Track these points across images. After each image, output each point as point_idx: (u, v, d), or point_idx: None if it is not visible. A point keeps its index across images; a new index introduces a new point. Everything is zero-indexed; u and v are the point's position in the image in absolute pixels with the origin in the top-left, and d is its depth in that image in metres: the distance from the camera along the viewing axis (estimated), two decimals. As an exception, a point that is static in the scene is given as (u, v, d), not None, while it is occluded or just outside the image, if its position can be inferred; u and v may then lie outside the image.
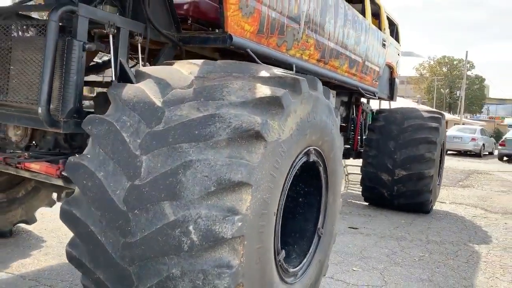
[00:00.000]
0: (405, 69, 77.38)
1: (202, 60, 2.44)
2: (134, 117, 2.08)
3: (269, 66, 2.54)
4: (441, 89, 67.99)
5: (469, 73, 71.92)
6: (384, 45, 6.54)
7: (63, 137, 3.03)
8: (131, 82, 2.82)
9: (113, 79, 2.74)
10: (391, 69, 7.22)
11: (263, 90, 2.06)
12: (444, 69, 69.66)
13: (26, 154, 2.85)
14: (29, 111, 2.66)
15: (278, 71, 2.36)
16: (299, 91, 2.20)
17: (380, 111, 7.14)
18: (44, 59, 2.50)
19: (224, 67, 2.31)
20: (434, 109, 21.61)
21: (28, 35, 2.82)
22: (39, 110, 2.49)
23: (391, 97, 7.45)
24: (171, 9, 3.16)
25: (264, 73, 2.24)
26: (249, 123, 1.90)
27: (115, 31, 2.79)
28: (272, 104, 2.02)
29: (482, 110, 75.56)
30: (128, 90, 2.22)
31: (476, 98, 73.07)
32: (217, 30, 3.42)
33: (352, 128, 7.17)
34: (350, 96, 7.02)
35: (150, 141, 1.97)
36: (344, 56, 5.15)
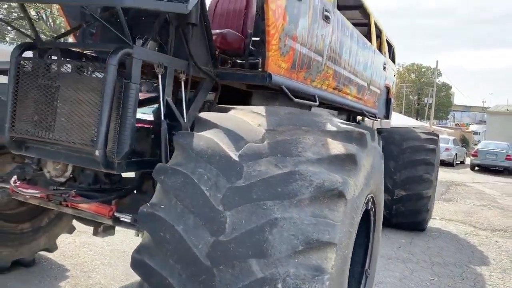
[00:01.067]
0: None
1: (263, 109, 2.50)
2: (211, 170, 2.12)
3: (329, 115, 2.63)
4: (410, 96, 69.77)
5: (436, 80, 74.23)
6: (384, 68, 6.75)
7: (103, 173, 3.04)
8: (178, 122, 2.88)
9: (162, 118, 2.77)
10: (388, 89, 7.44)
11: (337, 147, 2.14)
12: (413, 76, 71.51)
13: (72, 192, 2.84)
14: (80, 150, 2.67)
15: (342, 123, 2.45)
16: (365, 145, 2.30)
17: (378, 131, 7.34)
18: (102, 102, 2.51)
19: (290, 118, 2.38)
20: (420, 122, 21.97)
21: (79, 74, 2.82)
22: (96, 153, 2.50)
23: (387, 116, 7.68)
24: (209, 45, 3.22)
25: (331, 127, 2.32)
26: (331, 182, 1.98)
27: (164, 70, 2.84)
28: (347, 161, 2.11)
29: (448, 117, 78.05)
30: (199, 141, 2.26)
31: (442, 105, 75.39)
32: (251, 63, 3.50)
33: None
34: (348, 115, 7.20)
35: (233, 197, 2.01)
36: (354, 82, 5.30)
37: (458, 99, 76.72)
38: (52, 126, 2.74)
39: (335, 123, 2.40)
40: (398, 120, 32.93)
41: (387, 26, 6.96)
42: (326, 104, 4.69)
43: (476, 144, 50.88)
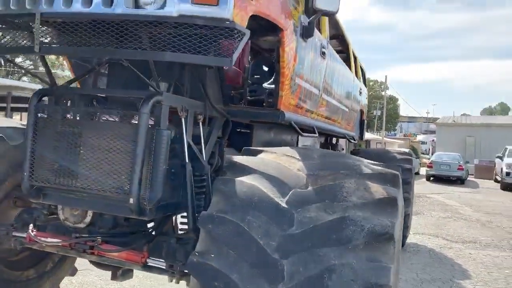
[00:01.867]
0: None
1: (295, 152, 2.59)
2: (260, 217, 2.18)
3: (359, 158, 2.75)
4: (361, 109, 71.89)
5: (383, 93, 77.18)
6: (360, 92, 7.04)
7: (123, 217, 3.01)
8: (201, 164, 2.91)
9: (187, 161, 2.80)
10: (362, 112, 7.74)
11: (379, 190, 2.27)
12: (361, 90, 73.87)
13: (98, 239, 2.79)
14: (107, 197, 2.65)
15: (375, 165, 2.58)
16: (399, 185, 2.44)
17: (355, 152, 7.60)
18: (135, 150, 2.52)
19: (326, 162, 2.48)
20: (372, 135, 22.58)
21: (105, 120, 2.81)
22: (131, 201, 2.49)
23: (361, 138, 7.97)
24: (222, 85, 3.29)
25: (366, 169, 2.45)
26: (381, 226, 2.09)
27: (186, 114, 2.87)
28: (389, 204, 2.24)
29: (395, 128, 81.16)
30: (242, 188, 2.31)
31: (390, 117, 78.35)
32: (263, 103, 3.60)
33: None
34: (326, 138, 7.42)
35: (288, 245, 2.08)
36: (340, 109, 5.51)
37: (403, 110, 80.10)
38: (76, 173, 2.71)
39: (367, 165, 2.53)
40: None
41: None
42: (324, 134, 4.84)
43: (423, 154, 53.29)
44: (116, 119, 2.83)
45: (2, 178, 3.17)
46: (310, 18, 3.51)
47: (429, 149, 54.45)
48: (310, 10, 3.36)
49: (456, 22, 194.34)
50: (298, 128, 3.65)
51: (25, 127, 3.41)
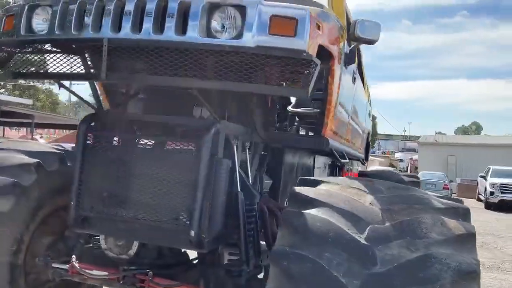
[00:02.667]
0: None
1: (361, 184, 2.54)
2: (340, 254, 2.11)
3: (424, 191, 2.71)
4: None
5: (363, 111, 78.43)
6: (369, 114, 7.09)
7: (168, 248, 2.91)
8: (251, 193, 2.84)
9: (239, 190, 2.73)
10: (368, 133, 7.78)
11: (457, 226, 2.23)
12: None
13: (149, 272, 2.68)
14: (163, 228, 2.55)
15: (442, 199, 2.55)
16: (470, 219, 2.41)
17: (362, 174, 7.60)
18: (197, 180, 2.45)
19: (397, 195, 2.43)
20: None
21: (160, 148, 2.72)
22: (192, 233, 2.42)
23: (366, 159, 8.00)
24: (264, 110, 3.24)
25: (438, 204, 2.41)
26: (467, 264, 2.05)
27: (237, 141, 2.82)
28: (468, 240, 2.20)
29: (374, 145, 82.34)
30: (315, 222, 2.24)
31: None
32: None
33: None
34: (333, 159, 7.42)
35: (374, 284, 2.01)
36: (358, 133, 5.53)
37: (380, 128, 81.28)
38: (127, 203, 2.61)
39: (435, 198, 2.50)
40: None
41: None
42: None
43: (401, 171, 53.98)
44: (168, 147, 2.75)
45: (39, 205, 3.04)
46: (352, 46, 3.51)
47: (407, 167, 55.16)
48: (352, 38, 3.36)
49: (430, 43, 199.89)
50: (338, 156, 3.62)
51: (58, 151, 3.30)
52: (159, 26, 2.23)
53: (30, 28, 2.51)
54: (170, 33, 2.20)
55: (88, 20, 2.32)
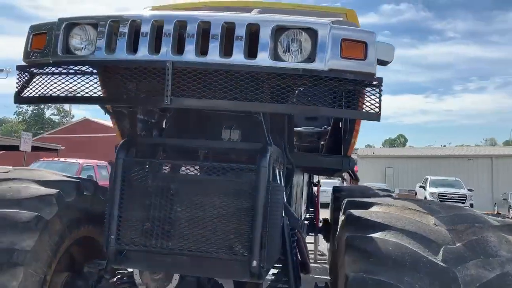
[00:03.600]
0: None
1: (415, 204, 2.56)
2: (421, 278, 2.09)
3: (471, 208, 2.78)
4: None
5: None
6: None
7: (207, 278, 2.77)
8: (294, 217, 2.78)
9: (283, 215, 2.66)
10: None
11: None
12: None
13: None
14: (216, 259, 2.42)
15: (486, 215, 2.63)
16: None
17: (337, 190, 7.71)
18: (256, 207, 2.35)
19: (456, 215, 2.46)
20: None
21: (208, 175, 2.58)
22: (254, 263, 2.32)
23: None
24: (290, 132, 3.21)
25: (494, 221, 2.48)
26: None
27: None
28: None
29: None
30: (387, 246, 2.22)
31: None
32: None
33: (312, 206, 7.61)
34: (309, 175, 7.47)
35: (460, 306, 2.02)
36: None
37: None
38: (173, 234, 2.45)
39: (487, 215, 2.57)
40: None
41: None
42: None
43: (344, 182, 55.39)
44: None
45: (60, 240, 2.77)
46: None
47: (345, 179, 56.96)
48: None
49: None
50: (353, 174, 3.65)
51: (73, 179, 3.04)
52: (224, 49, 2.14)
53: (67, 49, 2.31)
54: (239, 57, 2.11)
55: (144, 42, 2.17)
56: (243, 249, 2.34)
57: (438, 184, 22.32)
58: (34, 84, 2.43)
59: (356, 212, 2.48)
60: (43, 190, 2.72)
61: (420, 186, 23.83)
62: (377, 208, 2.56)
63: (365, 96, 2.20)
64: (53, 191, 2.72)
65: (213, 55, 2.12)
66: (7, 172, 2.97)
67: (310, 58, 2.13)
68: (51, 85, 2.38)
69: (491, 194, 30.09)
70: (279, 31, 2.15)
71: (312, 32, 2.14)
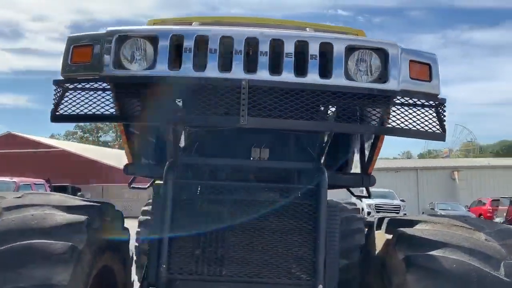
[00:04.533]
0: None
1: (458, 221, 2.62)
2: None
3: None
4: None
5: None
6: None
7: None
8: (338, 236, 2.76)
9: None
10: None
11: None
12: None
13: None
14: (276, 284, 2.34)
15: None
16: None
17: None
18: (318, 230, 2.32)
19: (496, 229, 2.55)
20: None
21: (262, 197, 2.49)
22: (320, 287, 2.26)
23: None
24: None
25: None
26: None
27: None
28: None
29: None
30: (451, 264, 2.25)
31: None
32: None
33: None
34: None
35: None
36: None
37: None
38: (228, 260, 2.35)
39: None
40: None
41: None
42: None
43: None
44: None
45: (89, 270, 2.53)
46: None
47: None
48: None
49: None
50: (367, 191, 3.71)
51: (96, 203, 2.81)
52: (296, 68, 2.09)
53: (119, 63, 2.14)
54: (313, 76, 2.07)
55: (213, 58, 2.07)
56: (305, 273, 2.28)
57: (374, 195, 23.24)
58: (74, 100, 2.22)
59: (408, 231, 2.50)
60: (71, 217, 2.47)
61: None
62: (425, 226, 2.60)
63: (429, 116, 2.24)
64: (81, 217, 2.48)
65: (287, 74, 2.06)
66: (20, 197, 2.67)
67: (381, 79, 2.14)
68: (97, 102, 2.19)
69: (417, 204, 31.94)
70: (349, 50, 2.14)
71: (382, 53, 2.15)
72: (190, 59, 2.07)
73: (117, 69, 2.12)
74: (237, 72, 2.05)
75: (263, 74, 2.05)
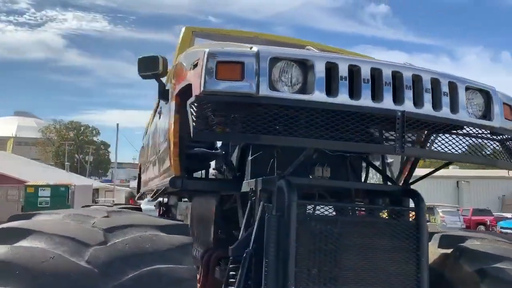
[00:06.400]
0: (28, 131, 74.15)
1: (493, 235, 3.06)
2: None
3: None
4: (76, 154, 68.78)
5: (95, 138, 76.17)
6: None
7: None
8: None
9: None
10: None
11: None
12: (72, 134, 70.94)
13: None
14: None
15: None
16: None
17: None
18: (421, 248, 2.57)
19: None
20: (88, 179, 21.92)
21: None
22: None
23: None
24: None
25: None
26: None
27: None
28: None
29: (107, 173, 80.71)
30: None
31: (103, 162, 77.71)
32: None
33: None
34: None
35: None
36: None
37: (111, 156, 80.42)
38: (341, 278, 2.47)
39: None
40: (72, 178, 31.55)
41: None
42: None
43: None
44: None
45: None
46: None
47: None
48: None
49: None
50: None
51: (178, 221, 2.70)
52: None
53: (272, 85, 2.13)
54: (447, 111, 2.32)
55: (366, 88, 2.19)
56: None
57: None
58: (217, 116, 2.13)
59: (470, 246, 2.87)
60: (178, 239, 2.34)
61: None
62: (477, 242, 2.99)
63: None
64: (186, 238, 2.36)
65: (427, 107, 2.28)
66: (108, 216, 2.42)
67: (486, 116, 2.47)
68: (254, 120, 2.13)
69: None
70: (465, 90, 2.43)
71: (484, 93, 2.49)
72: (346, 87, 2.15)
73: (273, 91, 2.11)
74: (388, 102, 2.20)
75: (410, 105, 2.23)
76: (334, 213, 2.54)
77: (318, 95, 2.13)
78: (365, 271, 2.42)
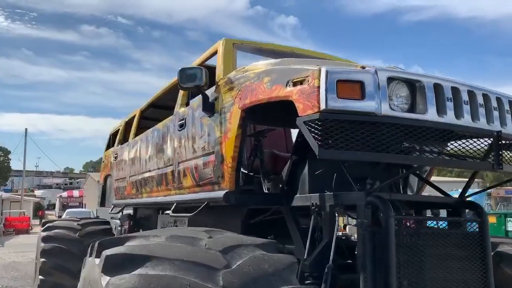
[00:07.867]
0: None
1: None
2: None
3: None
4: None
5: (-8, 145, 69.86)
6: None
7: None
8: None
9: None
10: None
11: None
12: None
13: None
14: None
15: None
16: None
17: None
18: (486, 256, 2.76)
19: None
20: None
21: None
22: None
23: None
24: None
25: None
26: None
27: None
28: None
29: (7, 182, 74.28)
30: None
31: (1, 170, 71.48)
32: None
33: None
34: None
35: None
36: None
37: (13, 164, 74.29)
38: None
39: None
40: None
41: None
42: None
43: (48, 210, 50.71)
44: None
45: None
46: None
47: (55, 205, 52.43)
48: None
49: (52, 77, 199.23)
50: None
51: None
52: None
53: (389, 105, 2.21)
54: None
55: (467, 109, 2.35)
56: None
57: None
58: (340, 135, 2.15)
59: (507, 251, 3.16)
60: (287, 257, 2.31)
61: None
62: (508, 246, 3.30)
63: None
64: (293, 257, 2.35)
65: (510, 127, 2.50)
66: (210, 237, 2.31)
67: None
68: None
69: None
70: None
71: None
72: (451, 108, 2.29)
73: (392, 110, 2.18)
74: (483, 123, 2.38)
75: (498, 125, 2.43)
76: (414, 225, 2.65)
77: (431, 115, 2.23)
78: (450, 282, 2.55)
